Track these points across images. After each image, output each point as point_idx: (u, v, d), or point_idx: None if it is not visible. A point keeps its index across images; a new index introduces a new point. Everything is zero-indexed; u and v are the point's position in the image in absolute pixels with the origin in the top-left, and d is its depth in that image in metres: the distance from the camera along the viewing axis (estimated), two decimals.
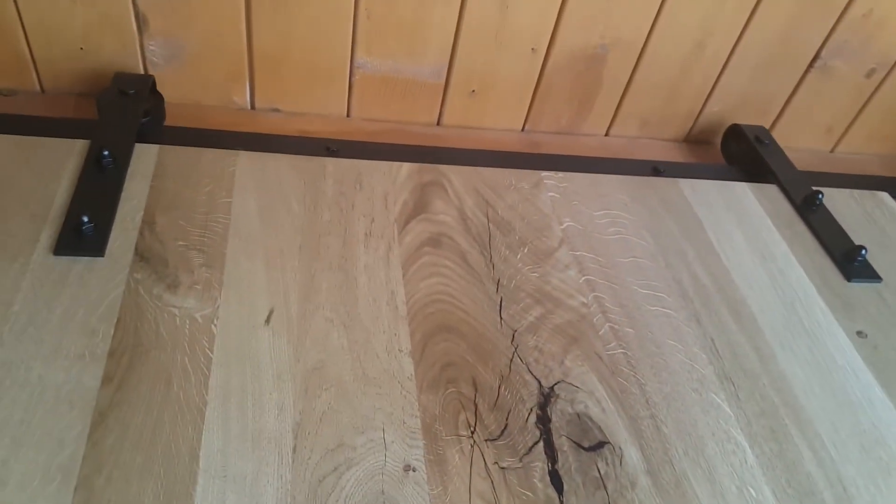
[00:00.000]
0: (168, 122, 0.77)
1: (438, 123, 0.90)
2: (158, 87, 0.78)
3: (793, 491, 0.55)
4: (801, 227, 0.79)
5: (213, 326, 0.57)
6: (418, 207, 0.71)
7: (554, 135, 0.93)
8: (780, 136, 0.95)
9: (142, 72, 0.79)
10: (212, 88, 0.82)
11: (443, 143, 0.85)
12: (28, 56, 0.76)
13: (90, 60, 0.77)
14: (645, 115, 0.93)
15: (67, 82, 0.78)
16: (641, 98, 0.91)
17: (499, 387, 0.58)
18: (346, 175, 0.72)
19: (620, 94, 0.90)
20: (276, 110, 0.85)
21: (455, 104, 0.88)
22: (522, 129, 0.92)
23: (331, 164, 0.72)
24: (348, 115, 0.87)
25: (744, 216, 0.79)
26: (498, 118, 0.90)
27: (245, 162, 0.70)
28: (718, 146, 0.93)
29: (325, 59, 0.81)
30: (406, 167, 0.74)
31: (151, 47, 0.77)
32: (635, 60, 0.87)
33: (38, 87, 0.79)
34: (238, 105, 0.84)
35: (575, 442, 0.55)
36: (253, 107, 0.84)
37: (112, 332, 0.54)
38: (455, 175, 0.75)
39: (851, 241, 0.78)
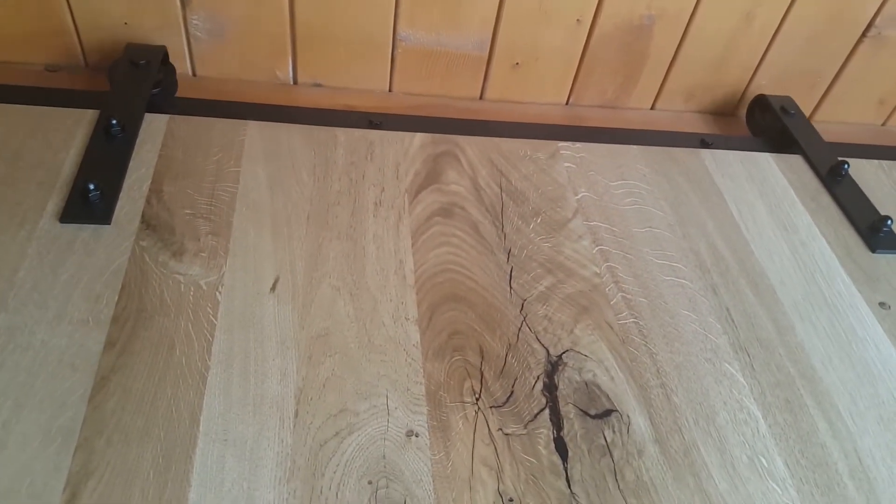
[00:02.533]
0: (209, 96, 0.76)
1: (481, 97, 0.88)
2: (199, 62, 0.78)
3: (806, 461, 0.53)
4: (825, 199, 0.76)
5: (217, 293, 0.56)
6: (430, 177, 0.69)
7: (598, 108, 0.91)
8: (830, 110, 0.92)
9: (185, 47, 0.79)
10: (254, 63, 0.81)
11: (485, 117, 0.83)
12: (73, 31, 0.76)
13: (133, 35, 0.77)
14: (691, 89, 0.89)
15: (111, 57, 0.78)
16: (687, 71, 0.88)
17: (506, 355, 0.56)
18: (357, 145, 0.71)
19: (666, 67, 0.87)
20: (319, 85, 0.84)
21: (498, 77, 0.86)
22: (567, 103, 0.90)
23: (343, 134, 0.71)
24: (390, 90, 0.86)
25: (766, 187, 0.76)
26: (542, 92, 0.88)
27: (255, 132, 0.69)
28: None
29: (368, 33, 0.80)
30: (419, 137, 0.73)
31: (195, 21, 0.77)
32: (682, 32, 0.83)
33: (82, 62, 0.79)
34: (280, 80, 0.83)
35: (581, 410, 0.53)
36: (295, 82, 0.84)
37: (116, 298, 0.54)
38: (469, 145, 0.73)
39: (877, 212, 0.75)
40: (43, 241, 0.56)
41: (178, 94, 0.75)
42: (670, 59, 0.86)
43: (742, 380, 0.58)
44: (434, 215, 0.66)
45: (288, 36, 0.79)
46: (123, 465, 0.45)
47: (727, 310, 0.63)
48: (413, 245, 0.63)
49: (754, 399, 0.56)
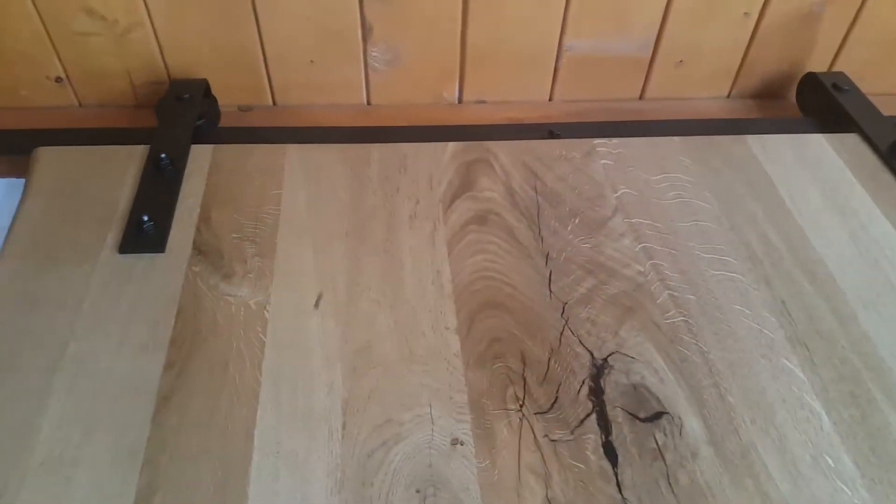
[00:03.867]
0: (378, 123, 0.83)
1: (641, 97, 0.90)
2: (374, 91, 0.85)
3: (877, 459, 0.51)
4: (886, 177, 0.73)
5: (265, 312, 0.59)
6: (464, 186, 0.70)
7: (761, 100, 0.91)
8: None
9: (363, 78, 0.85)
10: (424, 87, 0.87)
11: (645, 117, 0.86)
12: (264, 73, 0.83)
13: (317, 72, 0.83)
14: (859, 75, 0.87)
15: (297, 95, 0.86)
16: (855, 58, 0.87)
17: (548, 360, 0.57)
18: (390, 160, 0.73)
19: (833, 54, 0.87)
20: (482, 101, 0.89)
21: (660, 76, 0.88)
22: (728, 96, 0.91)
23: (376, 150, 0.74)
24: (550, 99, 0.89)
25: (820, 170, 0.74)
26: (703, 87, 0.90)
27: (294, 155, 0.72)
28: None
29: (533, 46, 0.84)
30: (451, 146, 0.74)
31: (374, 54, 0.83)
32: (853, 17, 0.83)
33: (270, 102, 0.86)
34: (447, 100, 0.88)
35: (630, 413, 0.53)
36: (460, 101, 0.89)
37: (173, 322, 0.58)
38: (502, 150, 0.74)
39: None
40: (104, 272, 0.61)
41: (355, 125, 0.80)
42: (838, 46, 0.86)
43: (801, 375, 0.56)
44: (469, 223, 0.67)
45: (457, 58, 0.84)
46: (185, 481, 0.49)
47: (782, 302, 0.61)
48: (449, 254, 0.64)
49: (816, 395, 0.55)
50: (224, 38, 0.79)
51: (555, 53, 0.84)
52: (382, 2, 0.78)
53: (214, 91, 0.82)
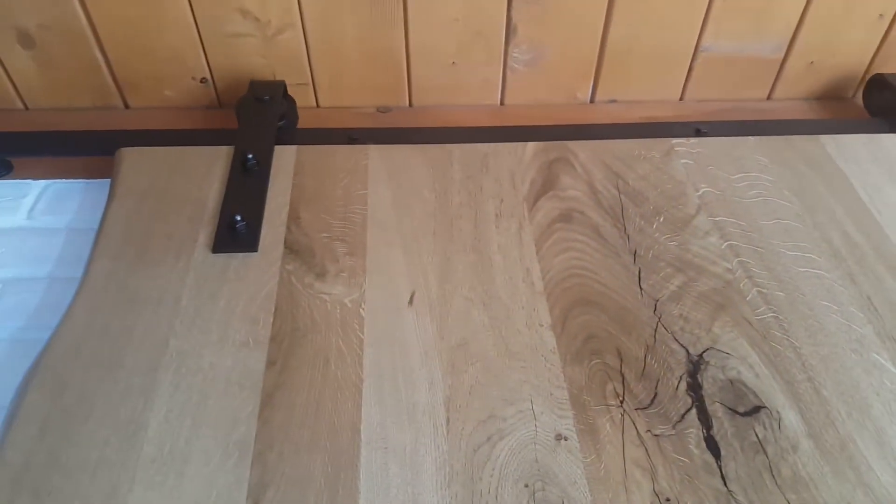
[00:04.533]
0: (516, 123, 0.84)
1: (769, 97, 0.92)
2: (509, 92, 0.87)
3: None
4: None
5: (361, 310, 0.60)
6: (546, 185, 0.72)
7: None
8: None
9: (500, 79, 0.87)
10: (558, 88, 0.89)
11: (774, 116, 0.88)
12: (405, 76, 0.86)
13: (457, 73, 0.86)
14: None
15: (434, 96, 0.88)
16: None
17: (645, 356, 0.58)
18: (472, 160, 0.74)
19: None
20: (614, 101, 0.91)
21: (789, 77, 0.90)
22: (852, 97, 0.93)
23: (457, 150, 0.75)
24: (681, 99, 0.91)
25: (895, 169, 0.75)
26: (831, 87, 0.91)
27: (376, 155, 0.74)
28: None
29: (670, 47, 0.86)
30: (531, 146, 0.76)
31: (515, 54, 0.85)
32: None
33: (407, 103, 0.88)
34: (579, 100, 0.90)
35: (729, 408, 0.54)
36: (592, 100, 0.90)
37: (271, 319, 0.59)
38: (581, 150, 0.75)
39: None
40: (199, 270, 0.62)
41: (485, 125, 0.82)
42: None
43: (893, 369, 0.57)
44: (555, 222, 0.68)
45: (595, 57, 0.86)
46: (296, 476, 0.50)
47: (868, 298, 0.62)
48: (538, 252, 0.65)
49: None
50: (371, 41, 0.81)
51: (691, 53, 0.86)
52: (530, 1, 0.79)
53: (354, 92, 0.86)
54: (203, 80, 0.83)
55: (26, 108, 0.85)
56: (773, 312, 0.61)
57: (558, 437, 0.53)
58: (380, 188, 0.71)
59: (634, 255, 0.65)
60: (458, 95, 0.88)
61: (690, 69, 0.88)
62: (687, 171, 0.74)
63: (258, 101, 0.75)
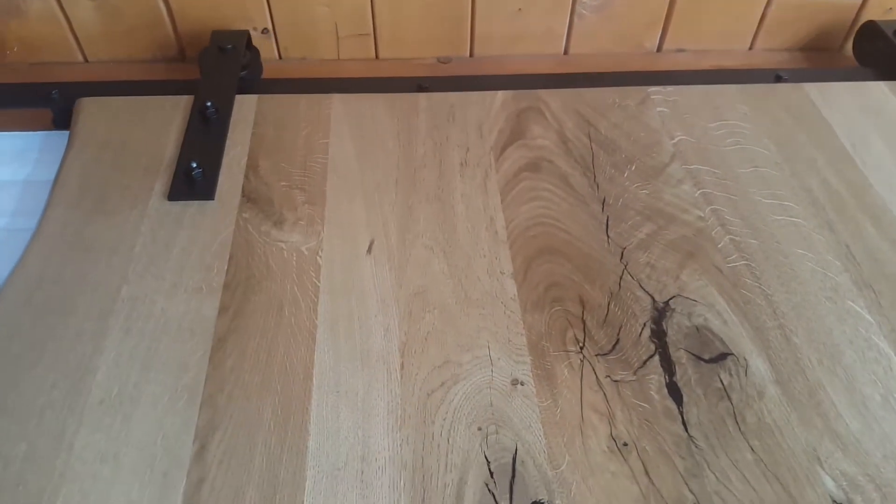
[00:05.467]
0: (581, 70, 0.84)
1: (841, 49, 0.91)
2: (574, 40, 0.87)
3: None
4: None
5: (318, 258, 0.60)
6: (515, 134, 0.71)
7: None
8: None
9: (566, 27, 0.86)
10: (626, 36, 0.88)
11: (836, 66, 0.86)
12: (468, 25, 0.86)
13: (522, 22, 0.85)
14: None
15: (496, 46, 0.88)
16: None
17: (608, 304, 0.57)
18: (439, 109, 0.74)
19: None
20: (682, 50, 0.90)
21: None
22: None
23: (423, 99, 0.75)
24: (751, 48, 0.90)
25: (883, 118, 0.74)
26: None
27: (339, 105, 0.74)
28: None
29: None
30: (500, 95, 0.75)
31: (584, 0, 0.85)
32: None
33: (468, 53, 0.88)
34: (646, 49, 0.90)
35: (694, 355, 0.54)
36: (659, 49, 0.90)
37: (226, 266, 0.59)
38: (552, 99, 0.75)
39: None
40: (154, 218, 0.62)
41: (554, 72, 0.83)
42: None
43: (869, 317, 0.56)
44: (522, 171, 0.68)
45: (666, 4, 0.85)
46: (245, 418, 0.50)
47: (846, 246, 0.61)
48: (503, 201, 0.65)
49: (884, 336, 0.55)
50: None
51: (765, 1, 0.85)
52: None
53: (416, 43, 0.86)
54: (265, 31, 0.84)
55: (86, 61, 0.86)
56: (746, 260, 0.60)
57: (514, 382, 0.52)
58: (342, 138, 0.70)
59: (603, 203, 0.65)
60: (521, 45, 0.88)
61: (763, 16, 0.86)
62: (662, 119, 0.73)
63: (221, 50, 0.75)
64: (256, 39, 0.84)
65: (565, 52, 0.89)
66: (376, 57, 0.88)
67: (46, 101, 0.74)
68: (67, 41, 0.84)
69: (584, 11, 0.85)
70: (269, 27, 0.84)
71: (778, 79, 0.79)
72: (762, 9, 0.86)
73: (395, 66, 0.87)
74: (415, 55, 0.88)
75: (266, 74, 0.82)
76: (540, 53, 0.89)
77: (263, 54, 0.84)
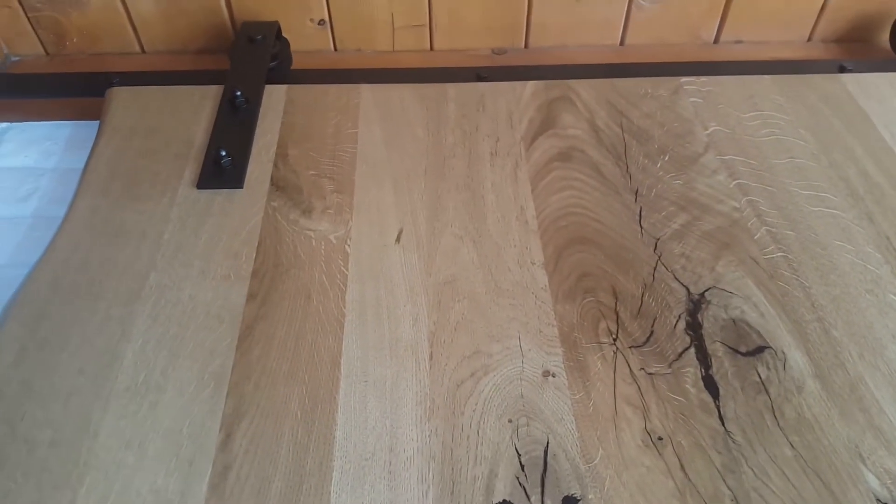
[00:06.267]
0: (635, 60, 0.82)
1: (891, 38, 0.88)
2: (631, 31, 0.85)
3: None
4: None
5: (346, 246, 0.59)
6: (545, 124, 0.69)
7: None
8: None
9: (623, 17, 0.85)
10: (683, 27, 0.87)
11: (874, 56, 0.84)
12: (525, 15, 0.84)
13: (579, 12, 0.84)
14: None
15: (552, 36, 0.86)
16: None
17: (642, 295, 0.55)
18: (468, 99, 0.72)
19: None
20: (739, 42, 0.88)
21: None
22: (809, 39, 0.90)
23: (452, 89, 0.73)
24: (809, 39, 0.88)
25: None
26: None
27: (368, 94, 0.72)
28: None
29: None
30: (531, 85, 0.73)
31: None
32: None
33: (523, 44, 0.87)
34: (703, 40, 0.88)
35: (731, 347, 0.52)
36: (717, 41, 0.88)
37: (254, 254, 0.58)
38: (583, 89, 0.72)
39: None
40: (183, 206, 0.61)
41: (599, 62, 0.82)
42: None
43: None
44: (552, 160, 0.66)
45: None
46: (272, 407, 0.49)
47: (887, 238, 0.58)
48: (533, 191, 0.63)
49: None
50: None
51: None
52: None
53: (471, 34, 0.84)
54: (321, 23, 0.83)
55: (143, 52, 0.86)
56: (783, 252, 0.58)
57: (546, 374, 0.50)
58: (371, 127, 0.69)
59: (636, 193, 0.62)
60: (577, 35, 0.86)
61: (823, 8, 0.84)
62: (696, 109, 0.70)
63: (250, 41, 0.74)
64: (313, 30, 0.83)
65: (621, 43, 0.87)
66: (431, 48, 0.86)
67: (106, 90, 0.73)
68: (126, 31, 0.84)
69: (643, 2, 0.83)
70: (326, 18, 0.83)
71: (842, 69, 0.76)
72: (822, 1, 0.84)
73: (451, 56, 0.86)
74: (470, 46, 0.86)
75: (321, 65, 0.81)
76: (596, 44, 0.87)
77: (320, 45, 0.83)
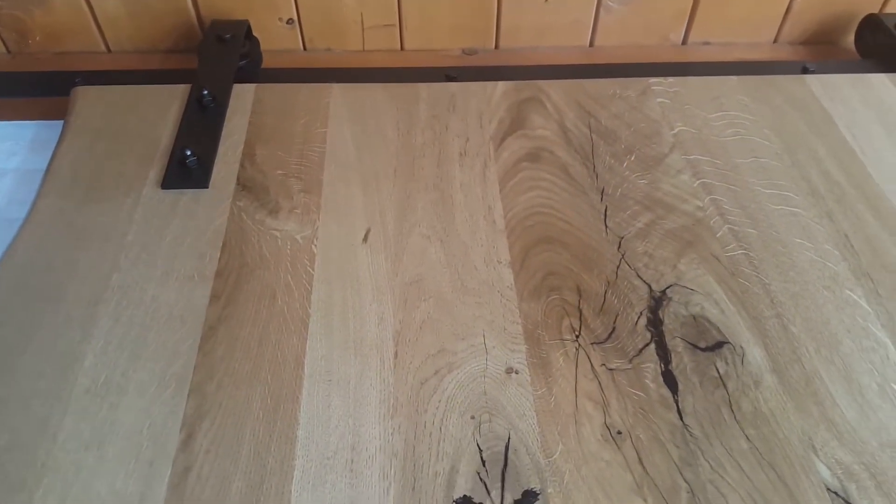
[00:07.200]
0: (604, 61, 0.84)
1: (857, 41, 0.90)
2: (600, 32, 0.87)
3: None
4: None
5: (313, 246, 0.60)
6: (515, 124, 0.71)
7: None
8: None
9: (592, 19, 0.86)
10: (651, 29, 0.89)
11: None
12: (495, 16, 0.86)
13: (548, 13, 0.85)
14: None
15: (522, 38, 0.88)
16: None
17: (605, 293, 0.57)
18: (439, 99, 0.73)
19: None
20: (707, 43, 0.90)
21: None
22: (775, 41, 0.93)
23: (424, 89, 0.74)
24: (775, 41, 0.90)
25: (884, 109, 0.73)
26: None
27: (339, 94, 0.73)
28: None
29: None
30: (501, 86, 0.74)
31: None
32: None
33: (493, 45, 0.88)
34: (671, 42, 0.90)
35: (690, 343, 0.53)
36: (685, 42, 0.90)
37: (218, 255, 0.58)
38: (554, 90, 0.74)
39: None
40: (148, 206, 0.62)
41: (569, 63, 0.84)
42: None
43: (867, 306, 0.56)
44: (521, 161, 0.67)
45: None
46: (234, 407, 0.49)
47: (846, 236, 0.61)
48: (501, 191, 0.64)
49: (882, 325, 0.54)
50: None
51: None
52: None
53: (441, 35, 0.86)
54: (290, 22, 0.83)
55: (109, 51, 0.86)
56: (744, 249, 0.59)
57: (509, 371, 0.52)
58: (341, 127, 0.70)
59: (602, 193, 0.64)
60: (547, 37, 0.88)
61: (788, 10, 0.86)
62: (663, 109, 0.72)
63: (219, 39, 0.75)
64: (282, 30, 0.84)
65: (591, 45, 0.89)
66: (401, 48, 0.88)
67: (69, 89, 0.74)
68: (90, 30, 0.84)
69: (611, 3, 0.85)
70: (295, 17, 0.84)
71: (805, 70, 0.78)
72: (787, 2, 0.86)
73: (421, 56, 0.87)
74: (440, 46, 0.88)
75: (290, 65, 0.82)
76: (566, 45, 0.89)
77: (289, 45, 0.84)
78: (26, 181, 0.70)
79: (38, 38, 0.84)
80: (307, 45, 0.87)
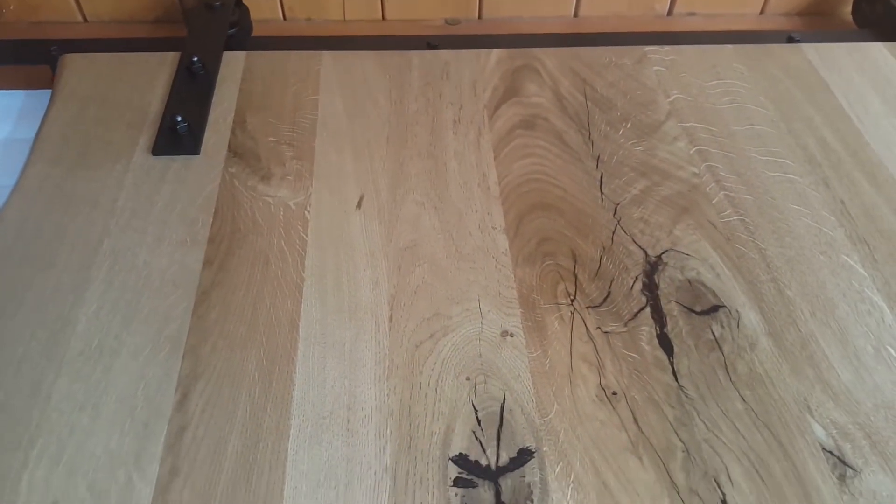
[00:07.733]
0: (590, 30, 0.84)
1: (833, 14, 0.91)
2: (585, 2, 0.86)
3: None
4: None
5: (306, 212, 0.60)
6: (509, 92, 0.71)
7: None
8: None
9: None
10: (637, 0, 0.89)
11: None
12: None
13: None
14: None
15: (505, 7, 0.87)
16: None
17: (600, 258, 0.57)
18: (432, 67, 0.73)
19: None
20: (693, 14, 0.90)
21: None
22: (761, 12, 0.93)
23: (416, 57, 0.74)
24: (762, 12, 0.90)
25: (880, 78, 0.74)
26: None
27: (330, 61, 0.73)
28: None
29: None
30: (496, 54, 0.75)
31: None
32: None
33: (477, 15, 0.88)
34: (657, 13, 0.90)
35: (686, 307, 0.54)
36: (670, 13, 0.90)
37: (210, 220, 0.59)
38: (548, 57, 0.74)
39: None
40: (138, 173, 0.62)
41: (553, 32, 0.83)
42: None
43: (862, 271, 0.57)
44: (515, 128, 0.68)
45: None
46: (229, 368, 0.50)
47: (842, 202, 0.61)
48: (496, 158, 0.65)
49: (877, 289, 0.55)
50: None
51: None
52: None
53: (424, 4, 0.85)
54: None
55: (85, 20, 0.85)
56: (740, 215, 0.60)
57: (504, 334, 0.52)
58: (332, 94, 0.70)
59: (598, 160, 0.65)
60: (531, 6, 0.87)
61: None
62: (659, 78, 0.73)
63: (208, 7, 0.75)
64: None
65: (575, 15, 0.89)
66: (383, 18, 0.87)
67: (46, 57, 0.74)
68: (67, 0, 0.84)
69: None
70: None
71: (790, 40, 0.79)
72: None
73: (402, 26, 0.87)
74: (422, 16, 0.87)
75: (270, 34, 0.81)
76: (550, 16, 0.89)
77: (268, 14, 0.84)
78: (15, 150, 0.70)
79: (11, 8, 0.84)
80: (287, 15, 0.86)
